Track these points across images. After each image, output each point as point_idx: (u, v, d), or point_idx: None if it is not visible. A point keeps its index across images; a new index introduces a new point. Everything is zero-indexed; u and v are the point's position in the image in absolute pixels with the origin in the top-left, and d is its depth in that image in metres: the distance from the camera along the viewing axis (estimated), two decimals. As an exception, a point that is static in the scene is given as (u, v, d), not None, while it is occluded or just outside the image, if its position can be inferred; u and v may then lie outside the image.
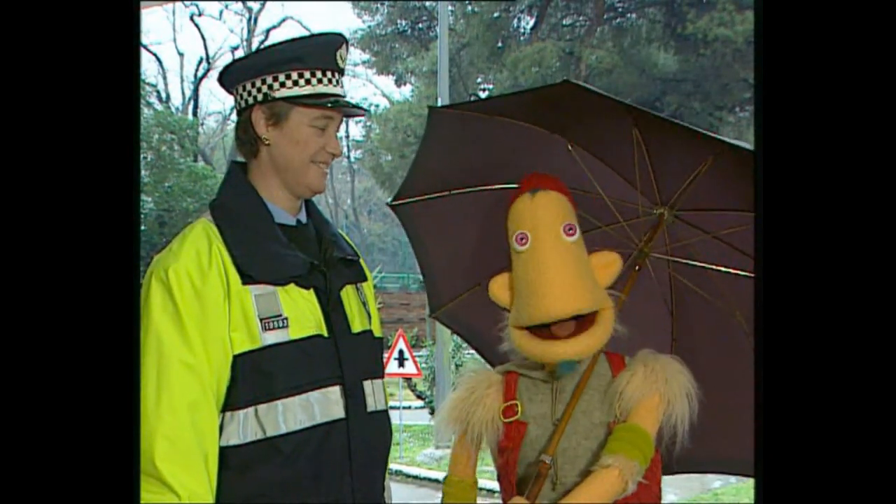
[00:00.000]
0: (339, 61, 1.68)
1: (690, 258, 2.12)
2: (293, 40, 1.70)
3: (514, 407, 1.91)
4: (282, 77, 1.64)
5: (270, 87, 1.65)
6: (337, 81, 1.68)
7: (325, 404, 1.62)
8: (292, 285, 1.63)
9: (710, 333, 2.17)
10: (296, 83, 1.64)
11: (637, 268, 1.98)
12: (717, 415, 1.92)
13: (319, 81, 1.65)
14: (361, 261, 1.86)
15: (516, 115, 2.02)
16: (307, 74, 1.64)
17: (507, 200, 1.93)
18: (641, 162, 1.99)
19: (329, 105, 1.65)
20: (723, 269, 2.08)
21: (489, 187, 2.20)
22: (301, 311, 1.63)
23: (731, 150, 1.75)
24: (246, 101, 1.68)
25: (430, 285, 2.39)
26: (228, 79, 1.72)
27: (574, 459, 1.84)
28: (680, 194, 2.00)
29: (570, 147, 2.06)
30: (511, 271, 1.89)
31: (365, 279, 1.84)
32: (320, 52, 1.66)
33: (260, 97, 1.66)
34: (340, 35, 1.71)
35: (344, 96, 1.70)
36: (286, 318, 1.60)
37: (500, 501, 1.93)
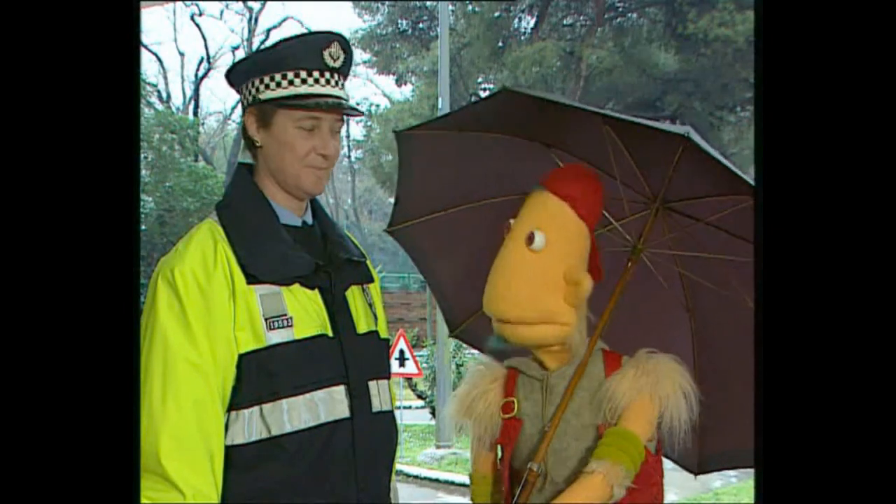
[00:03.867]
0: (329, 60, 1.66)
1: (692, 250, 2.10)
2: (282, 41, 1.70)
3: (512, 404, 1.91)
4: (266, 79, 1.64)
5: (258, 89, 1.65)
6: (327, 81, 1.66)
7: (330, 404, 1.62)
8: (297, 285, 1.64)
9: (726, 323, 2.14)
10: (279, 84, 1.64)
11: (629, 263, 1.96)
12: (744, 405, 1.92)
13: (304, 82, 1.64)
14: (368, 262, 1.85)
15: (484, 127, 2.01)
16: (290, 76, 1.63)
17: (513, 203, 1.93)
18: (623, 159, 1.98)
19: (309, 105, 1.63)
20: (725, 257, 2.07)
21: (483, 202, 2.19)
22: (306, 311, 1.64)
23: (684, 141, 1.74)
24: (243, 103, 1.70)
25: (443, 305, 2.38)
26: (231, 81, 1.74)
27: (565, 460, 1.83)
28: (666, 185, 1.98)
29: (553, 155, 2.05)
30: None
31: (371, 280, 1.84)
32: (304, 52, 1.64)
33: (250, 100, 1.67)
34: (331, 34, 1.69)
35: (339, 97, 1.67)
36: (291, 318, 1.61)
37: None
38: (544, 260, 1.82)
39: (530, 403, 1.90)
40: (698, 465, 2.29)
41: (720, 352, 1.94)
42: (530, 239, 1.81)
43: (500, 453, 1.97)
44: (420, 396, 11.70)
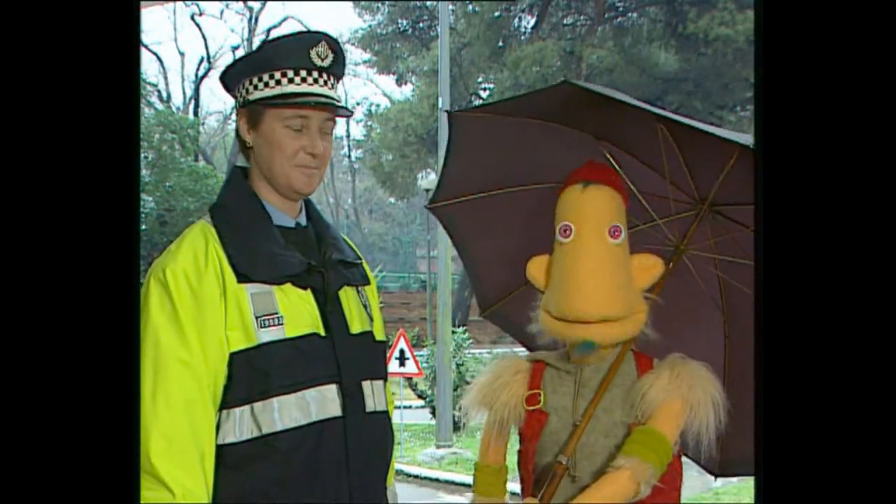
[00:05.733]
0: (316, 59, 1.66)
1: (733, 254, 2.10)
2: (269, 41, 1.71)
3: (537, 396, 1.92)
4: (255, 80, 1.66)
5: (247, 90, 1.67)
6: (315, 80, 1.66)
7: (322, 402, 1.62)
8: (289, 285, 1.64)
9: None
10: (266, 84, 1.65)
11: (670, 263, 1.97)
12: None
13: (290, 81, 1.65)
14: (365, 265, 1.86)
15: (536, 115, 2.02)
16: (277, 75, 1.64)
17: (556, 191, 1.93)
18: (673, 157, 1.98)
19: (297, 103, 1.64)
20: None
21: (527, 187, 2.20)
22: (297, 310, 1.64)
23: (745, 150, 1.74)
24: (235, 105, 1.72)
25: (476, 285, 2.40)
26: (226, 84, 1.75)
27: (592, 456, 1.84)
28: (717, 189, 1.98)
29: (604, 152, 2.06)
30: (552, 255, 1.90)
31: (367, 283, 1.84)
32: (290, 52, 1.65)
33: (241, 101, 1.69)
34: (318, 33, 1.69)
35: (327, 95, 1.67)
36: (282, 317, 1.61)
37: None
38: (623, 250, 1.86)
39: (558, 397, 1.91)
40: (720, 466, 2.29)
41: (751, 357, 1.94)
42: (615, 232, 1.83)
43: (519, 445, 1.97)
44: (420, 396, 11.70)
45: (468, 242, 2.35)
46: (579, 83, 1.81)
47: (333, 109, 1.70)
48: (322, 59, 1.67)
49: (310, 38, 1.68)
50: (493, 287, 2.37)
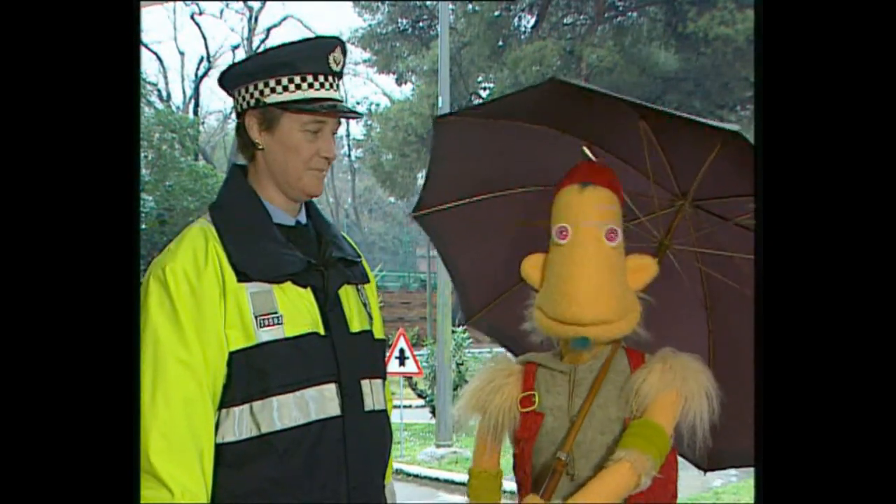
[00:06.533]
0: (333, 65, 1.68)
1: (717, 248, 2.10)
2: (286, 45, 1.71)
3: (532, 397, 1.92)
4: (272, 82, 1.65)
5: (262, 92, 1.66)
6: (331, 85, 1.68)
7: (321, 401, 1.63)
8: (289, 283, 1.65)
9: (744, 322, 2.16)
10: (286, 88, 1.65)
11: (656, 259, 1.97)
12: None
13: (311, 86, 1.65)
14: (364, 263, 1.86)
15: (521, 117, 2.02)
16: (297, 79, 1.65)
17: (542, 194, 1.93)
18: (654, 154, 1.98)
19: (320, 110, 1.65)
20: (748, 256, 2.06)
21: (510, 192, 2.20)
22: (297, 309, 1.64)
23: (732, 138, 1.74)
24: (241, 105, 1.70)
25: (461, 293, 2.39)
26: (226, 82, 1.74)
27: (588, 453, 1.84)
28: (697, 183, 1.98)
29: (584, 149, 2.06)
30: (547, 254, 1.90)
31: (367, 281, 1.85)
32: (311, 56, 1.66)
33: (252, 102, 1.67)
34: (335, 38, 1.71)
35: (340, 100, 1.70)
36: (281, 316, 1.62)
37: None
38: (619, 253, 1.86)
39: (553, 397, 1.91)
40: (708, 462, 2.29)
41: (736, 350, 1.95)
42: (611, 235, 1.83)
43: (514, 448, 1.97)
44: (420, 395, 11.70)
45: (453, 250, 2.34)
46: (567, 80, 1.81)
47: (352, 114, 1.73)
48: (337, 65, 1.69)
49: (328, 43, 1.69)
50: (479, 294, 2.36)
